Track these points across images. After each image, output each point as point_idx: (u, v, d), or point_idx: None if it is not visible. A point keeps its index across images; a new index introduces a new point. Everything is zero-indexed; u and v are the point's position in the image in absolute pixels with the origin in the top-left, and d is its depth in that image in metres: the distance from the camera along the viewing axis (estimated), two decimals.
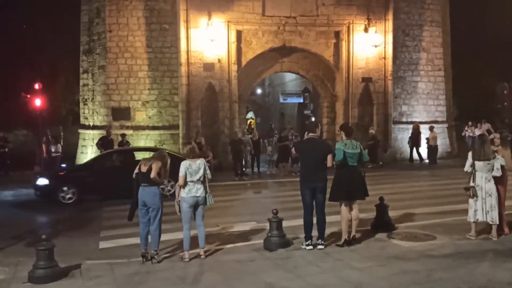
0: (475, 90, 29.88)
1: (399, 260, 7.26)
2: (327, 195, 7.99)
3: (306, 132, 8.18)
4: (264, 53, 19.84)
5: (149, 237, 7.71)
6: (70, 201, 13.42)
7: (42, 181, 13.77)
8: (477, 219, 8.26)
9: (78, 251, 8.59)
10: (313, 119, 26.20)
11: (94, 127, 20.68)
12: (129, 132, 19.32)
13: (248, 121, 31.60)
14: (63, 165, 17.76)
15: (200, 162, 7.68)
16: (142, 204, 7.62)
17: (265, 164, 19.66)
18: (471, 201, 8.35)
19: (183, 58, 18.60)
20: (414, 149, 20.80)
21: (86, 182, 13.70)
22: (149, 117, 20.05)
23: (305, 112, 28.46)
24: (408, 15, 22.27)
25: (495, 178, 8.20)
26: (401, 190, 14.21)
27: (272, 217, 8.09)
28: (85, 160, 18.32)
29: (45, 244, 6.87)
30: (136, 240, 8.32)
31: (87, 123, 21.20)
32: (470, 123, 23.39)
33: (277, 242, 7.99)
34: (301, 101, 27.80)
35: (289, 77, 27.59)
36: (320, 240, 7.89)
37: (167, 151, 14.65)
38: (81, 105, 21.90)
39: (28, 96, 19.55)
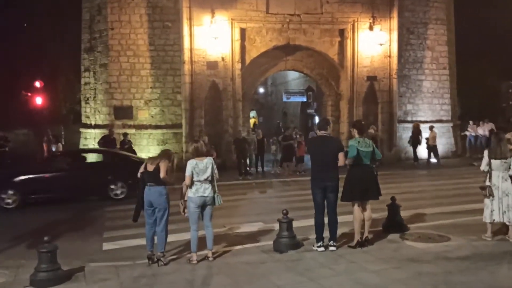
0: (479, 89, 29.65)
1: (414, 262, 7.01)
2: (339, 195, 7.73)
3: (318, 130, 7.92)
4: (268, 51, 19.59)
5: (155, 238, 7.45)
6: (11, 206, 12.58)
7: None
8: (494, 220, 8.01)
9: (81, 253, 8.33)
10: (316, 118, 25.95)
11: (95, 126, 20.42)
12: (131, 131, 19.05)
13: (250, 121, 31.30)
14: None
15: (208, 161, 7.42)
16: (148, 204, 7.35)
17: (269, 163, 19.41)
18: (487, 201, 8.09)
19: (186, 56, 18.34)
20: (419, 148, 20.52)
21: (29, 186, 12.86)
22: (152, 116, 19.79)
23: (308, 111, 28.21)
24: (412, 13, 22.02)
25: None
26: (409, 189, 13.98)
27: (282, 218, 7.83)
28: None
29: (48, 246, 6.61)
30: (141, 241, 8.09)
31: (88, 122, 20.94)
32: (471, 122, 23.05)
33: (288, 244, 7.73)
34: (305, 100, 27.53)
35: (292, 75, 27.34)
36: (332, 242, 7.63)
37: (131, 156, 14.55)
38: (83, 103, 21.63)
39: (29, 94, 19.33)
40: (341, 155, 7.54)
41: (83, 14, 21.10)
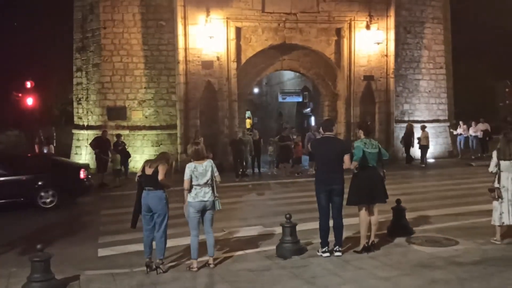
0: (475, 88, 29.56)
1: (425, 268, 6.74)
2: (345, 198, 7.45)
3: (322, 131, 7.64)
4: (264, 50, 19.30)
5: (154, 244, 7.12)
6: None
7: None
8: (503, 223, 7.77)
9: (75, 260, 7.96)
10: (312, 118, 25.69)
11: (88, 127, 19.99)
12: (125, 132, 18.64)
13: (246, 121, 30.98)
14: None
15: (207, 164, 7.13)
16: (146, 209, 7.02)
17: (266, 164, 19.12)
18: (495, 203, 7.85)
19: (180, 55, 18.00)
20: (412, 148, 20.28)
21: None
22: (146, 117, 19.41)
23: (304, 111, 27.94)
24: (409, 12, 21.83)
25: None
26: (410, 190, 13.73)
27: (285, 222, 7.52)
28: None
29: (41, 255, 6.25)
30: (137, 247, 7.77)
31: (81, 123, 20.52)
32: (461, 122, 22.57)
33: (291, 249, 7.43)
34: (301, 100, 27.25)
35: (288, 75, 27.06)
36: (337, 247, 7.35)
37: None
38: (75, 104, 21.20)
39: (20, 95, 18.89)
40: (346, 157, 7.25)
41: (75, 13, 20.66)
